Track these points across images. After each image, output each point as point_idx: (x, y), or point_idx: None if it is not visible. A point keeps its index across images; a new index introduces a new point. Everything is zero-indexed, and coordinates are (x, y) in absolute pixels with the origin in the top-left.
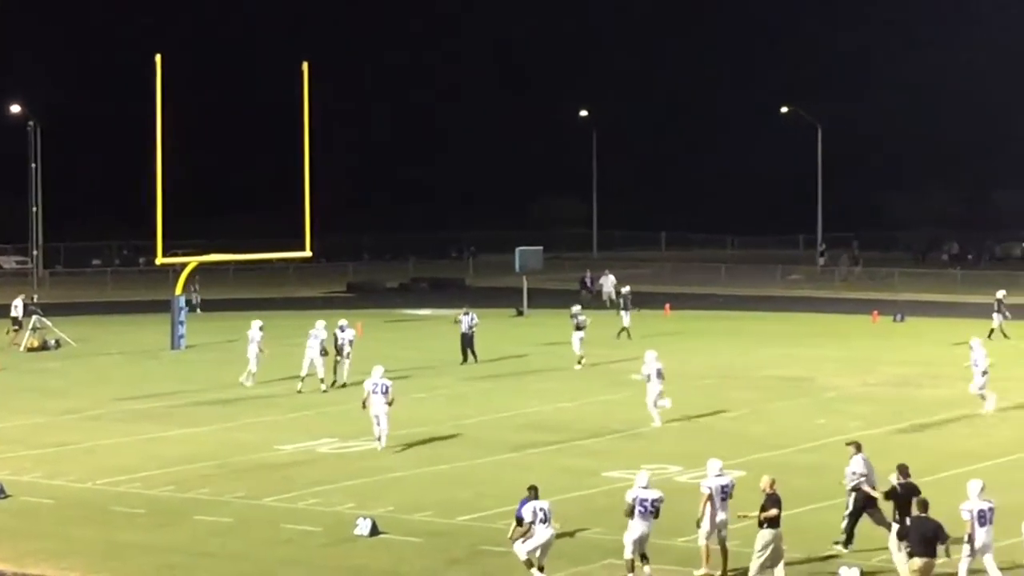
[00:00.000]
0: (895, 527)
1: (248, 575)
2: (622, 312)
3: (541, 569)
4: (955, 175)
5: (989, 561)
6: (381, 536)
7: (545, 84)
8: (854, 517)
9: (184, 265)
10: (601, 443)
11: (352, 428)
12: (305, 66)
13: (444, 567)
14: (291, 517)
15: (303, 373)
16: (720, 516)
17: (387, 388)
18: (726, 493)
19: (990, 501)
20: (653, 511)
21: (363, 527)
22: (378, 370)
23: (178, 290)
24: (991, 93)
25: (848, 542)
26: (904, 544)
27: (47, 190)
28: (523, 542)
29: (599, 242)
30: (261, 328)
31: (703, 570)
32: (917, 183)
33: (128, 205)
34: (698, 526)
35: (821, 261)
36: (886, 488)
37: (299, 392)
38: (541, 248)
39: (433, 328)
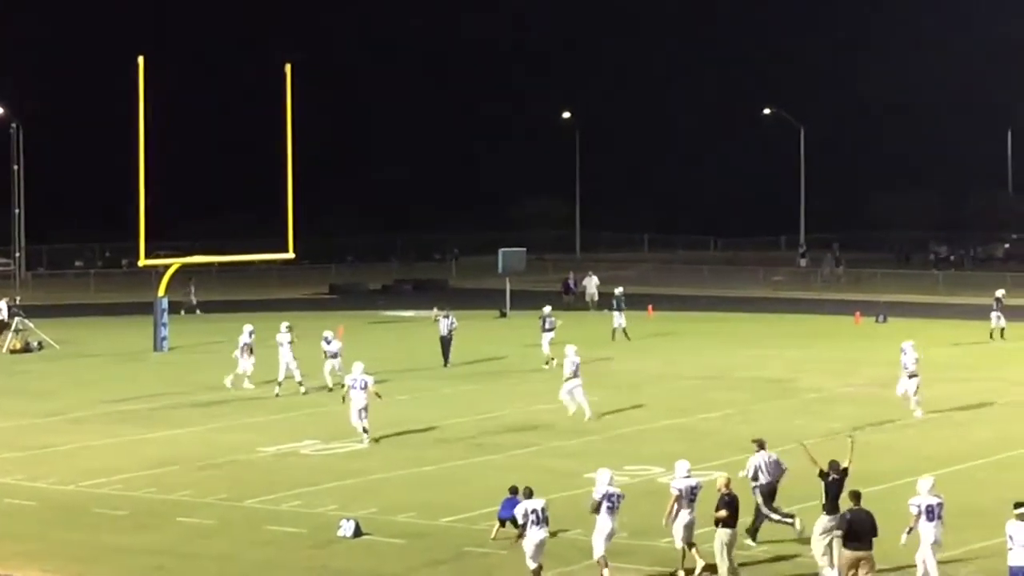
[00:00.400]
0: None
1: None
2: (615, 312)
3: (537, 573)
4: (941, 176)
5: (922, 556)
6: (364, 538)
7: (533, 84)
8: (773, 509)
9: (167, 267)
10: (582, 444)
11: (335, 430)
12: (288, 68)
13: (427, 568)
14: (274, 519)
15: (280, 378)
16: (687, 517)
17: (366, 383)
18: (694, 494)
19: (939, 497)
20: (617, 508)
21: (346, 529)
22: (358, 366)
23: (161, 292)
24: (977, 94)
25: (788, 517)
26: (835, 535)
27: (30, 191)
28: (523, 547)
29: (582, 244)
30: (251, 333)
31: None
32: (903, 184)
33: (111, 207)
34: (665, 526)
35: (802, 262)
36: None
37: (276, 396)
38: (524, 250)
39: (416, 330)
